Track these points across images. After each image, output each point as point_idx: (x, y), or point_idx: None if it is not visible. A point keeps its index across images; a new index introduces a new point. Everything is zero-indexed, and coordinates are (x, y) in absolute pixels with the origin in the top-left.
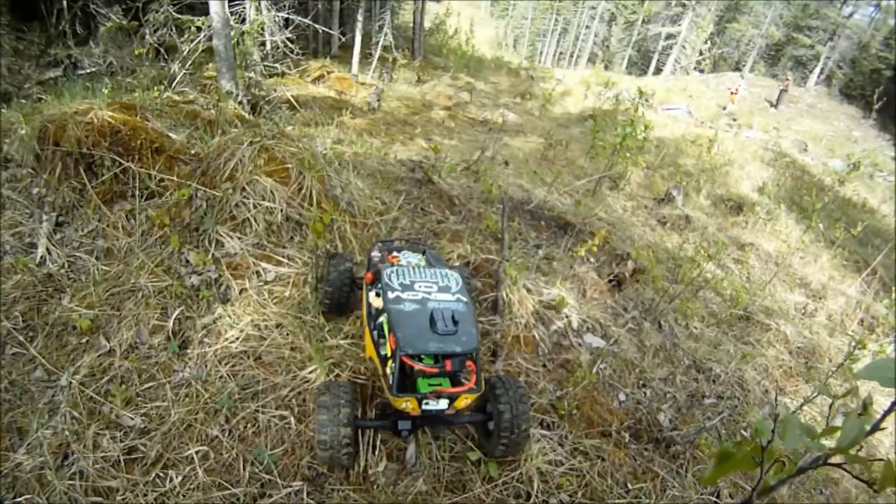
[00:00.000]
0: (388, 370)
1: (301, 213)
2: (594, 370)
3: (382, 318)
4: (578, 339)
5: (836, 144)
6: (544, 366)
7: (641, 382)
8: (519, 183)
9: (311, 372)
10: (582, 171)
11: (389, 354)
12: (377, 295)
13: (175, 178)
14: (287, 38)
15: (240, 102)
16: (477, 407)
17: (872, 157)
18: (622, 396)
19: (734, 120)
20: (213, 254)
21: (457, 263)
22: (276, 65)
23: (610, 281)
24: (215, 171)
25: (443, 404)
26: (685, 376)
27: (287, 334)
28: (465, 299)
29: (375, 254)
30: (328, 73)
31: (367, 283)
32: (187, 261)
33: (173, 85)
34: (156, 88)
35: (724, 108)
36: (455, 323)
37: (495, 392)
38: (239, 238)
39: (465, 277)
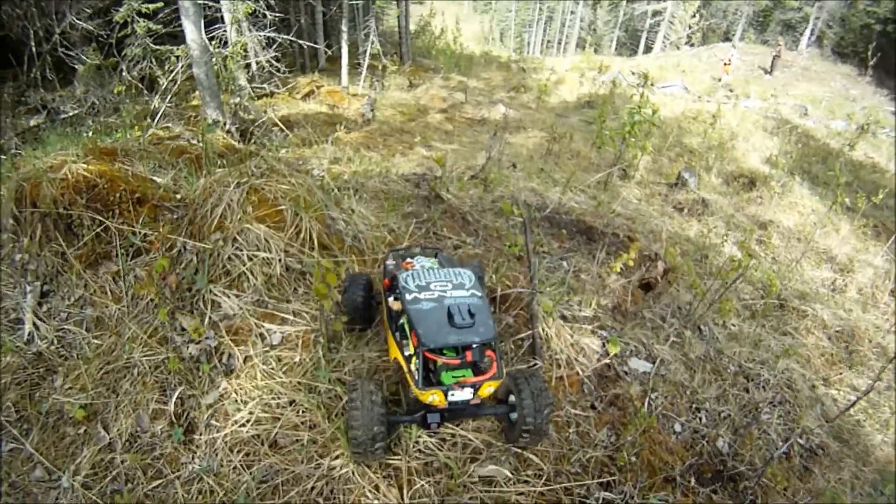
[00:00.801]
0: (412, 367)
1: (302, 261)
2: (646, 404)
3: (403, 320)
4: (623, 367)
5: (836, 105)
6: (593, 407)
7: (695, 406)
8: (530, 186)
9: (336, 458)
10: (589, 162)
11: (413, 352)
12: (395, 299)
13: (160, 230)
14: (272, 57)
15: (228, 131)
16: (499, 399)
17: (874, 114)
18: (678, 427)
19: (731, 91)
20: (209, 317)
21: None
22: (264, 85)
23: (641, 287)
24: (202, 219)
25: (468, 393)
26: (735, 387)
27: (302, 412)
28: (479, 294)
29: (390, 262)
30: (318, 87)
31: (385, 289)
32: (182, 328)
33: (156, 120)
34: (137, 128)
35: (719, 80)
36: (472, 315)
37: (517, 383)
38: (236, 296)
39: (479, 274)
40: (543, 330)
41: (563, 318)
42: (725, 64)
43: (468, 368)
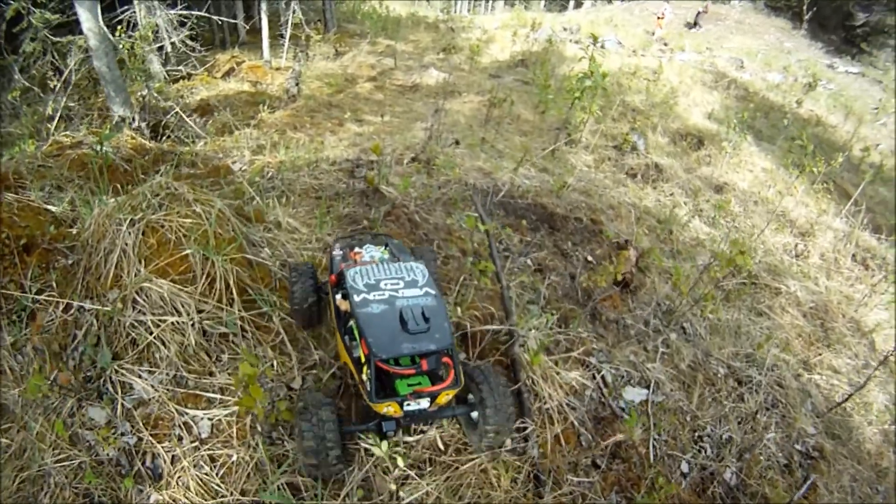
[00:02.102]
0: (364, 376)
1: (222, 319)
2: (650, 446)
3: (352, 322)
4: (618, 401)
5: (771, 58)
6: (595, 466)
7: (697, 435)
8: (477, 166)
9: None
10: (531, 126)
11: (364, 360)
12: (343, 297)
13: (53, 283)
14: (187, 36)
15: (137, 128)
16: (458, 399)
17: (811, 67)
18: (685, 467)
19: (665, 45)
20: (121, 403)
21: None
22: (180, 67)
23: (616, 283)
24: (97, 268)
25: (424, 404)
26: (730, 398)
27: None
28: (433, 292)
29: (337, 252)
30: (239, 63)
31: (332, 286)
32: (92, 420)
33: (54, 125)
34: (31, 142)
35: (653, 34)
36: (426, 320)
37: (476, 383)
38: (149, 373)
39: (432, 260)
40: (529, 377)
41: (547, 349)
42: (658, 18)
43: (425, 376)
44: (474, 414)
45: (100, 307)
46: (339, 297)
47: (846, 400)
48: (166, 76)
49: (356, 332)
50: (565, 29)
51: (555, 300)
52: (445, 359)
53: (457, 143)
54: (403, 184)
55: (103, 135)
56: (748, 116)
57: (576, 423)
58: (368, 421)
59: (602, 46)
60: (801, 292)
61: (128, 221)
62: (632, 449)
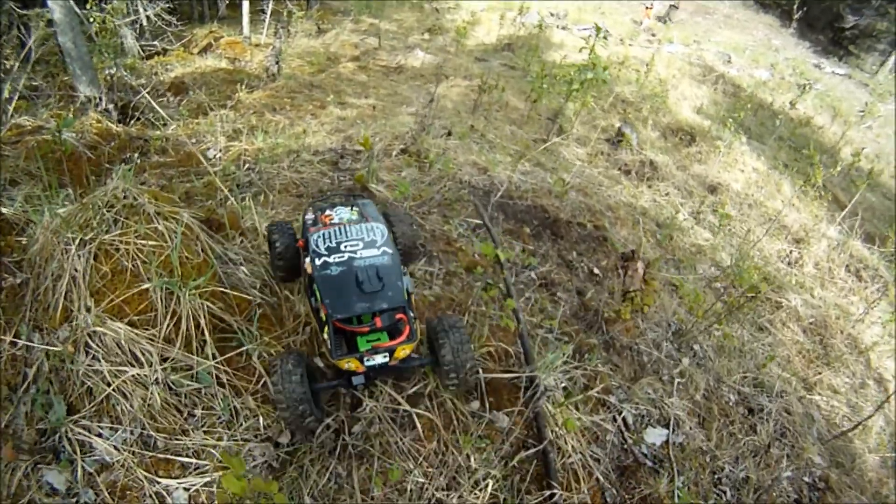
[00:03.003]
0: (325, 335)
1: (192, 370)
2: (675, 496)
3: (314, 285)
4: (640, 446)
5: (759, 54)
6: None
7: (717, 477)
8: (471, 160)
9: None
10: (520, 114)
11: (324, 320)
12: (310, 262)
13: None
14: (164, 9)
15: (104, 110)
16: (430, 348)
17: (799, 66)
18: None
19: (653, 35)
20: (81, 466)
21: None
22: (155, 42)
23: (625, 299)
24: (46, 293)
25: (382, 359)
26: (743, 430)
27: None
28: (390, 251)
29: (309, 216)
30: (217, 39)
31: (302, 250)
32: (51, 487)
33: (13, 105)
34: None
35: (641, 24)
36: (380, 279)
37: (437, 336)
38: (110, 430)
39: (409, 226)
40: (553, 433)
41: (565, 390)
42: (647, 8)
43: (383, 332)
44: None
45: (49, 347)
46: (307, 261)
47: (852, 429)
48: (140, 51)
49: (318, 295)
50: (552, 14)
51: (564, 322)
52: (400, 315)
53: (449, 133)
54: (401, 188)
55: (62, 121)
56: (737, 112)
57: (601, 477)
58: (340, 377)
59: (605, 38)
60: (801, 307)
61: (77, 242)
62: (656, 503)
